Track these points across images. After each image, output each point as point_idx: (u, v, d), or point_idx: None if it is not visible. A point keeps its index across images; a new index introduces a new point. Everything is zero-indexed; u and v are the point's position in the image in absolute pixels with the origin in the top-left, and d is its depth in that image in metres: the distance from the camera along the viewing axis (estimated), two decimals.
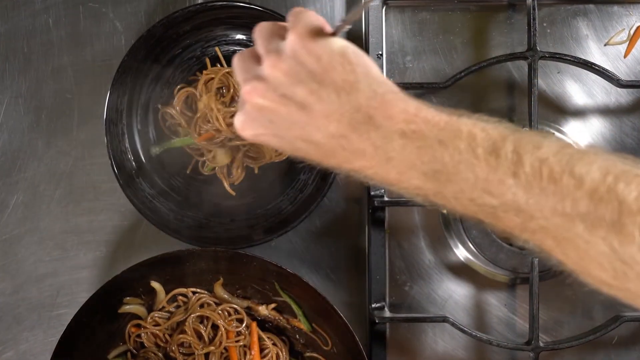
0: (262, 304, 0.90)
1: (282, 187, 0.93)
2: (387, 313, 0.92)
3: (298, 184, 0.91)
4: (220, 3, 0.86)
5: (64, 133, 0.94)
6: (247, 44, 0.91)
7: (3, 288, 0.94)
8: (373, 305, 0.90)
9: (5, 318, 0.93)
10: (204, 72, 0.90)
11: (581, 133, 0.92)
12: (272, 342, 0.88)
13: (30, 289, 0.94)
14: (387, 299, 0.93)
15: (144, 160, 0.92)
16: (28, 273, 0.93)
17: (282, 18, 0.83)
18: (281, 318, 0.89)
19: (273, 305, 0.89)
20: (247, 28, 0.89)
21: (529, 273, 0.87)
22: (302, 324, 0.89)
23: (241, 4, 0.86)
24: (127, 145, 0.90)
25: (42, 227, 0.94)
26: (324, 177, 0.88)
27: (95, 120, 0.92)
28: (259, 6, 0.85)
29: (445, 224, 0.93)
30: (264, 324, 0.90)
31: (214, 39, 0.91)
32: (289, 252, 0.93)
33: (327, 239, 0.94)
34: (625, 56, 0.93)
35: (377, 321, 0.89)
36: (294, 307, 0.88)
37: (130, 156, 0.90)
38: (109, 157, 0.87)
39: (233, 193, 0.91)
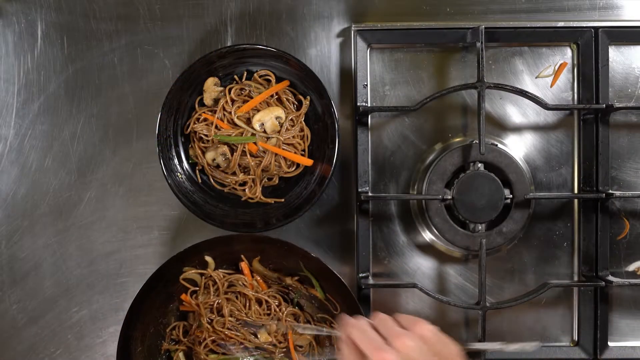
0: (288, 275, 0.97)
1: (290, 186, 0.98)
2: (371, 281, 0.98)
3: (303, 183, 0.97)
4: (244, 46, 0.93)
5: (125, 144, 1.00)
6: (268, 79, 0.96)
7: (79, 262, 1.00)
8: (360, 275, 0.97)
9: (81, 285, 1.00)
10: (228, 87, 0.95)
11: (518, 144, 0.99)
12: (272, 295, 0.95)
13: (100, 263, 1.00)
14: (371, 270, 0.99)
15: (185, 164, 0.97)
16: (98, 251, 1.00)
17: (292, 58, 0.91)
18: (302, 287, 0.96)
19: (296, 278, 0.97)
20: (265, 65, 0.96)
21: (478, 250, 0.95)
22: (318, 292, 0.95)
23: (261, 47, 0.92)
24: (174, 153, 0.95)
25: (109, 216, 1.00)
26: (322, 179, 0.94)
27: (150, 134, 0.99)
28: (273, 48, 0.91)
29: (415, 214, 1.00)
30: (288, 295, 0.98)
31: (239, 73, 0.97)
32: (297, 234, 0.99)
33: (326, 225, 1.00)
34: (551, 86, 0.99)
35: (363, 287, 0.96)
36: (313, 280, 0.95)
37: (176, 161, 0.96)
38: (159, 162, 0.93)
39: (248, 195, 0.97)
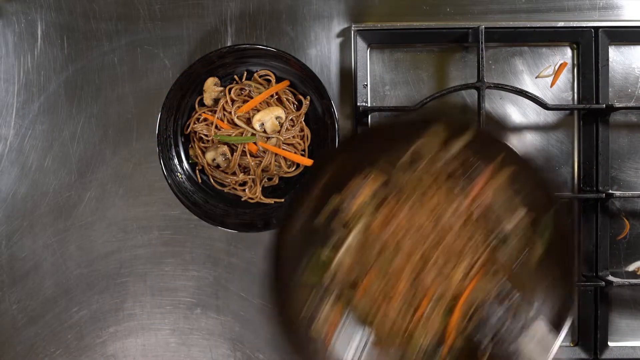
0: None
1: (290, 186, 0.98)
2: None
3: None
4: (244, 46, 0.93)
5: (125, 144, 0.99)
6: (268, 79, 0.96)
7: (79, 262, 1.00)
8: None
9: (81, 285, 0.99)
10: (228, 87, 0.96)
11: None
12: None
13: (100, 263, 1.00)
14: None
15: (186, 164, 0.97)
16: (98, 251, 1.00)
17: (292, 58, 0.91)
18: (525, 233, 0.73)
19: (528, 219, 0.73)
20: (265, 65, 0.97)
21: None
22: (537, 251, 0.73)
23: (261, 47, 0.92)
24: (174, 153, 0.96)
25: (109, 216, 1.00)
26: None
27: (150, 134, 0.99)
28: (273, 48, 0.91)
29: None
30: None
31: (239, 73, 0.97)
32: None
33: None
34: (551, 86, 0.99)
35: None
36: (546, 234, 0.73)
37: (175, 161, 0.96)
38: (159, 162, 0.93)
39: (248, 195, 0.97)
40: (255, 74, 0.97)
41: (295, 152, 0.96)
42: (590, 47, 0.97)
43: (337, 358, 0.75)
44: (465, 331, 0.74)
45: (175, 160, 0.96)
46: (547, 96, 0.99)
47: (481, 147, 0.75)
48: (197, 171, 0.98)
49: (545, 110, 0.98)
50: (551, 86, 0.99)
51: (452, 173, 0.76)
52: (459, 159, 0.77)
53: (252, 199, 0.97)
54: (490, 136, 0.76)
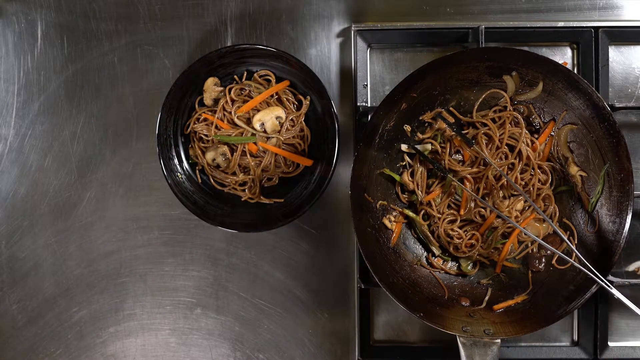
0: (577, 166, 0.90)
1: (290, 186, 0.97)
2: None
3: (303, 183, 0.97)
4: (244, 46, 0.93)
5: (125, 144, 1.00)
6: (268, 79, 0.96)
7: (79, 262, 1.00)
8: (357, 276, 0.96)
9: (81, 285, 1.00)
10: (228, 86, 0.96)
11: None
12: None
13: (100, 262, 1.00)
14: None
15: (185, 164, 0.97)
16: (98, 251, 1.00)
17: (292, 58, 0.91)
18: (581, 183, 0.90)
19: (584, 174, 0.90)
20: (265, 65, 0.97)
21: None
22: (589, 202, 0.89)
23: (261, 47, 0.92)
24: (174, 153, 0.96)
25: (109, 216, 1.00)
26: (322, 179, 0.93)
27: (150, 134, 0.99)
28: (273, 48, 0.91)
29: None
30: None
31: (239, 73, 0.97)
32: (297, 234, 0.99)
33: (326, 225, 0.99)
34: None
35: (358, 286, 0.96)
36: (600, 187, 0.88)
37: (175, 161, 0.96)
38: (159, 163, 0.93)
39: (248, 195, 0.96)
40: (255, 74, 0.97)
41: (295, 152, 0.96)
42: (590, 47, 0.97)
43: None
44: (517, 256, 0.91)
45: (175, 160, 0.96)
46: None
47: (546, 103, 0.88)
48: (197, 171, 0.98)
49: None
50: None
51: (516, 120, 0.91)
52: (526, 109, 0.90)
53: (252, 199, 0.97)
54: (555, 95, 0.88)
